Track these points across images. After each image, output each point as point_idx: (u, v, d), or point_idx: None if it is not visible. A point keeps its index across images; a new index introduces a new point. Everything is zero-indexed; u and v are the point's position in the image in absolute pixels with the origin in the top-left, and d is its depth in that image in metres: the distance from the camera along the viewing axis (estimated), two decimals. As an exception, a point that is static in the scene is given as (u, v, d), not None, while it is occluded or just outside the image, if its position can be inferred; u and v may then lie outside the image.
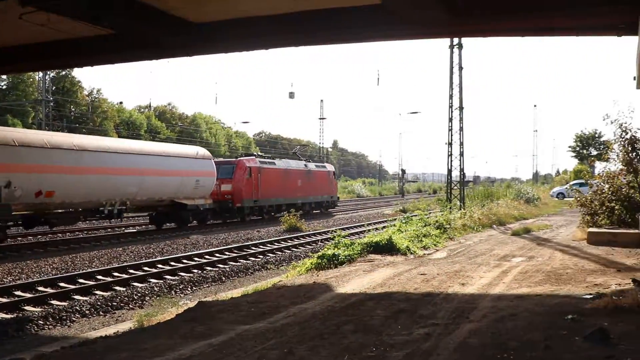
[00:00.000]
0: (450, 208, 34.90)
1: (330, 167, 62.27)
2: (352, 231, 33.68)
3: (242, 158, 47.78)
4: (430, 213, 33.99)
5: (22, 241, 31.69)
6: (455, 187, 42.03)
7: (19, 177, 27.44)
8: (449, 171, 40.73)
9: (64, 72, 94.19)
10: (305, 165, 56.82)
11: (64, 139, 30.96)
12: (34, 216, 29.36)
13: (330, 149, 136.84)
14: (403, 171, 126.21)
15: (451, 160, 40.64)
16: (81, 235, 34.51)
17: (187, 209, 38.97)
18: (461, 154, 40.86)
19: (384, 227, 30.06)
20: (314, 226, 40.98)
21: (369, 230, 30.63)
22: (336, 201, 62.38)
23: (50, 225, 30.66)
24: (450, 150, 40.64)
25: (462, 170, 40.53)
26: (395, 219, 30.29)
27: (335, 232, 27.58)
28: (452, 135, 41.27)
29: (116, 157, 33.28)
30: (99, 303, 17.68)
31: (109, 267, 22.68)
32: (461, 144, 40.95)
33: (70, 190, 30.15)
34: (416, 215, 31.17)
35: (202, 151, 41.84)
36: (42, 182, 28.59)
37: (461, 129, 41.30)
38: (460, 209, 34.77)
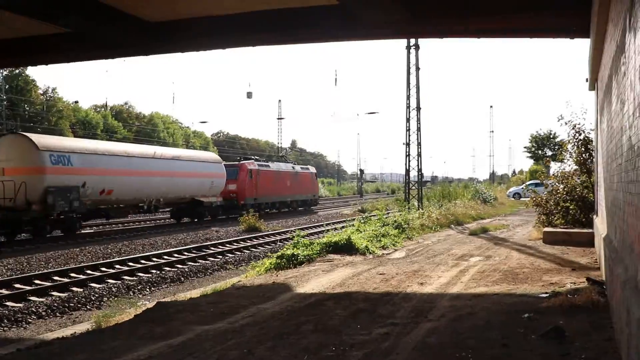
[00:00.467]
0: (408, 208, 34.98)
1: (312, 169, 69.69)
2: (312, 231, 33.68)
3: (244, 162, 54.52)
4: (388, 213, 34.06)
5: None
6: (413, 187, 42.30)
7: (90, 179, 35.52)
8: (407, 171, 40.88)
9: (17, 71, 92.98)
10: (293, 167, 64.10)
11: (118, 147, 39.56)
12: (97, 210, 37.08)
13: (288, 149, 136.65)
14: (361, 171, 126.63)
15: (409, 160, 40.80)
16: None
17: (203, 205, 46.67)
18: (419, 154, 41.08)
19: (342, 227, 30.12)
20: (273, 226, 40.91)
21: (327, 230, 30.64)
22: (317, 199, 69.67)
23: (107, 218, 38.60)
24: (408, 150, 40.83)
25: (419, 170, 40.74)
26: (354, 219, 30.37)
27: (294, 232, 27.57)
28: (409, 135, 41.46)
29: (154, 162, 41.51)
30: (55, 304, 17.50)
31: (65, 267, 22.44)
32: (419, 144, 41.18)
33: (123, 189, 38.00)
34: (375, 216, 31.24)
35: (215, 156, 50.69)
36: (105, 182, 36.59)
37: (419, 129, 41.49)
38: (419, 209, 34.89)
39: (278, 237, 33.21)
